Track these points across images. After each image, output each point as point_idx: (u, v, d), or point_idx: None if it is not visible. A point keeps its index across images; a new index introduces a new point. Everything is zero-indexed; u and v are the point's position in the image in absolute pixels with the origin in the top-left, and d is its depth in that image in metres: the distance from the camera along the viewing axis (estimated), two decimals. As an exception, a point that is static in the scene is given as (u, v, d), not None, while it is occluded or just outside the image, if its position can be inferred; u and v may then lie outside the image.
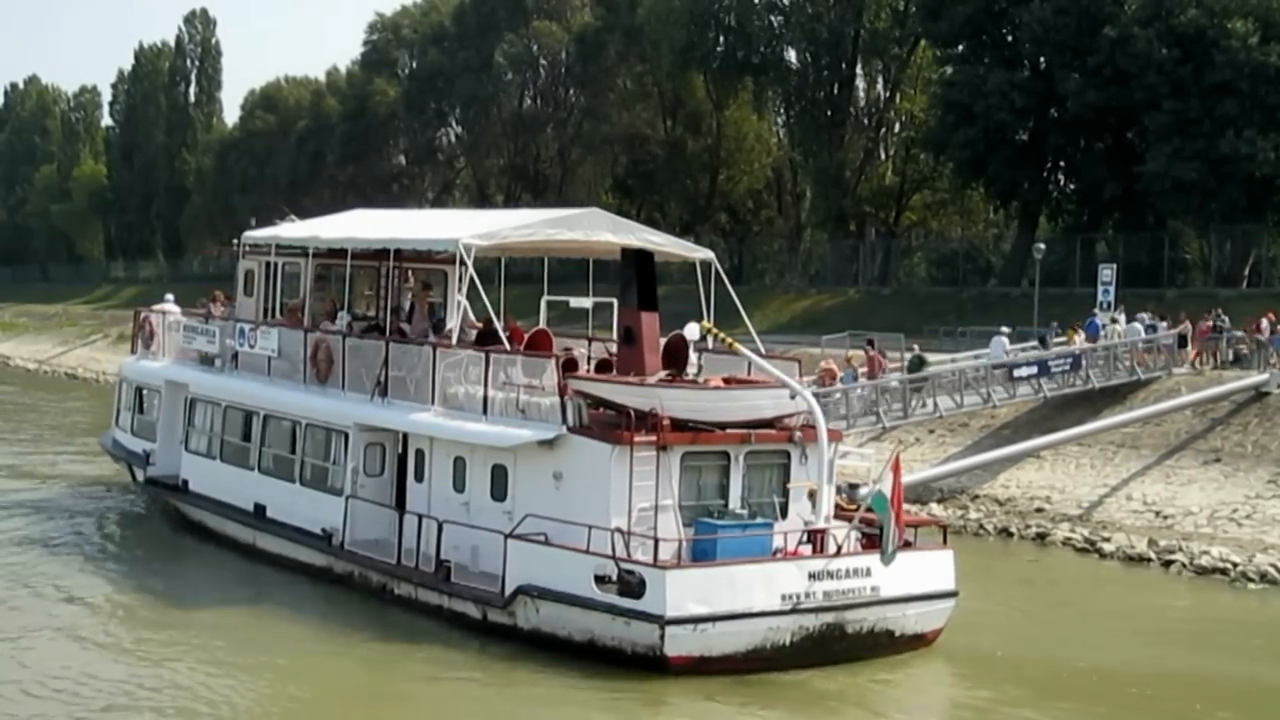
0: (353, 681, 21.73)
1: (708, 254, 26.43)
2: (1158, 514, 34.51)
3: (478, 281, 24.49)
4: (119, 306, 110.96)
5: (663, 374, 23.77)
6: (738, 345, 23.79)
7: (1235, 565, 30.17)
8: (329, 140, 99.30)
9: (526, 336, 25.86)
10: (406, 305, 29.63)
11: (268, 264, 31.00)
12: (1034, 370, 39.20)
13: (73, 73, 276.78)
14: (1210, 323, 43.48)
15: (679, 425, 22.41)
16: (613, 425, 22.64)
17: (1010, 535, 34.40)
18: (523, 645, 22.25)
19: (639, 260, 24.73)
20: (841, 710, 20.82)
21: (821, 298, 68.65)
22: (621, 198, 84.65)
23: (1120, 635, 25.28)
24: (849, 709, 20.87)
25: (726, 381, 24.05)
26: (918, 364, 39.24)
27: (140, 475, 33.36)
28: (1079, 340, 42.46)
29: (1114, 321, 43.90)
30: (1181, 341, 42.42)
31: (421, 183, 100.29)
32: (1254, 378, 38.86)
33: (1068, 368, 39.69)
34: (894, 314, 58.37)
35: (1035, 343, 43.24)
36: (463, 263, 24.48)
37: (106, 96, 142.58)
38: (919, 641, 22.65)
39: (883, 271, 71.89)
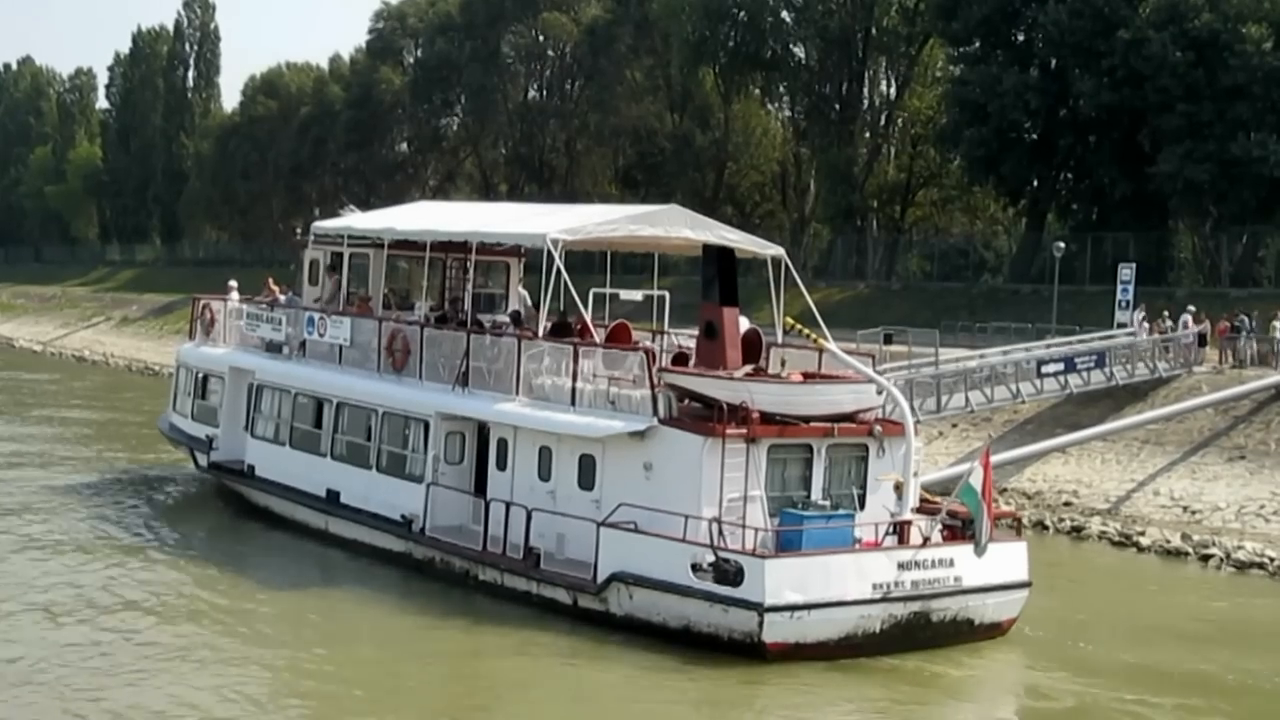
0: (448, 660, 22.45)
1: (779, 250, 27.07)
2: (1185, 509, 35.28)
3: (565, 275, 25.04)
4: (116, 289, 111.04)
5: (748, 368, 24.47)
6: (824, 341, 24.53)
7: (1272, 560, 30.94)
8: (332, 127, 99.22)
9: (605, 331, 26.34)
10: (467, 297, 30.21)
11: (334, 254, 31.52)
12: (1060, 366, 40.11)
13: (67, 54, 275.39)
14: (1229, 322, 44.44)
15: (767, 418, 23.08)
16: (703, 418, 23.28)
17: (1045, 529, 35.05)
18: (611, 629, 22.83)
19: (720, 257, 25.34)
20: (933, 694, 21.61)
21: (830, 292, 68.57)
22: (625, 189, 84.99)
23: (1181, 624, 26.15)
24: (938, 693, 21.67)
25: (806, 376, 24.75)
26: None
27: (202, 460, 33.72)
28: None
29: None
30: (1201, 340, 43.42)
31: (424, 171, 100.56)
32: (1274, 377, 39.76)
33: (1093, 364, 40.64)
34: (904, 309, 58.75)
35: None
36: (550, 256, 25.01)
37: (102, 79, 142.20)
38: (995, 630, 23.43)
39: (885, 267, 72.57)
